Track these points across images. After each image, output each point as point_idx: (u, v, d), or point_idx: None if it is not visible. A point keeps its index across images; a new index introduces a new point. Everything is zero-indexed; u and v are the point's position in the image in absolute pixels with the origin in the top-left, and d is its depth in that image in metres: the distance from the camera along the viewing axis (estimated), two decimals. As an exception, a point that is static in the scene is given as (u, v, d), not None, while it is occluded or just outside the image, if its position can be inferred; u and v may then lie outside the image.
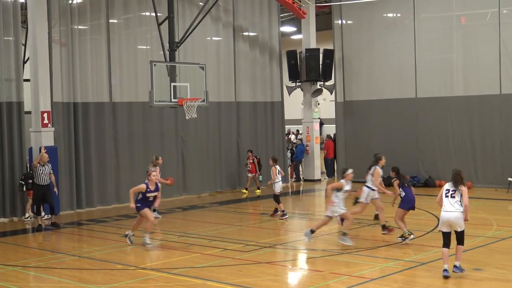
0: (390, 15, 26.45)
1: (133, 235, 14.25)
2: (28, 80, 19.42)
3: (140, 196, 14.03)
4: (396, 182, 14.44)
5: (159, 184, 14.96)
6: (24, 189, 17.68)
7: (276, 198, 17.72)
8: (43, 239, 16.08)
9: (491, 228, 15.93)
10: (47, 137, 18.96)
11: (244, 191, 23.40)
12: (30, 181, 17.28)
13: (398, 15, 26.07)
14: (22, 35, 20.39)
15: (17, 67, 19.02)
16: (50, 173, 16.88)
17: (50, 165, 17.02)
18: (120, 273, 11.92)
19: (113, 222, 18.21)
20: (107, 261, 12.89)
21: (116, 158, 20.76)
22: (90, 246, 14.59)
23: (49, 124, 19.15)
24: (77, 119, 20.14)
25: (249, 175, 23.43)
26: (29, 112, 19.21)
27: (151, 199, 14.16)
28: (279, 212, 17.79)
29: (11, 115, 18.61)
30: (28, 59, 20.42)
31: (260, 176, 23.33)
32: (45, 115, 18.84)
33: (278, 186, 17.85)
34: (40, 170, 16.67)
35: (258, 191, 23.44)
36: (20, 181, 17.84)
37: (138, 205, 13.86)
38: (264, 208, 19.49)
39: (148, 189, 13.98)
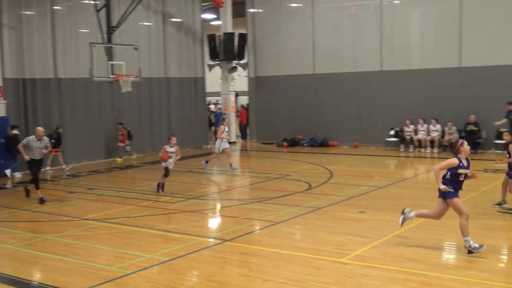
0: (294, 5, 26.62)
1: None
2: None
3: None
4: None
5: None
6: None
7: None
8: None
9: (373, 179, 16.46)
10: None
11: (119, 159, 21.92)
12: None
13: (300, 5, 26.28)
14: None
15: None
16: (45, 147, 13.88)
17: (47, 138, 14.07)
18: (66, 224, 11.72)
19: (61, 181, 17.87)
20: (55, 214, 12.65)
21: (62, 126, 20.14)
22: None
23: (1, 97, 18.49)
24: (26, 93, 19.45)
25: (120, 144, 22.06)
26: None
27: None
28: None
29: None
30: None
31: (129, 146, 22.21)
32: (-3, 89, 18.18)
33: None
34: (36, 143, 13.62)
35: (119, 160, 21.93)
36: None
37: None
38: (191, 166, 19.45)
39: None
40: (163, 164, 14.58)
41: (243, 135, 29.84)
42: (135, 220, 11.80)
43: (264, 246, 9.56)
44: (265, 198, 13.71)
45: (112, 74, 18.39)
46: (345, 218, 11.34)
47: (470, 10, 21.77)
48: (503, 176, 12.16)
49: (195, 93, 26.58)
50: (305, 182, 15.75)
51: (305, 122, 25.82)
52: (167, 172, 14.63)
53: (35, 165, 13.81)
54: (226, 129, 18.45)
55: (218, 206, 13.88)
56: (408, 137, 22.57)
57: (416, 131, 22.54)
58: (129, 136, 22.18)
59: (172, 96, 25.23)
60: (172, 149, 14.55)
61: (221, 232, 10.95)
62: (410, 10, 23.53)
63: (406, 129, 22.69)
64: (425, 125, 22.36)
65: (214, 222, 12.22)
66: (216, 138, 18.71)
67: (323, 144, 25.06)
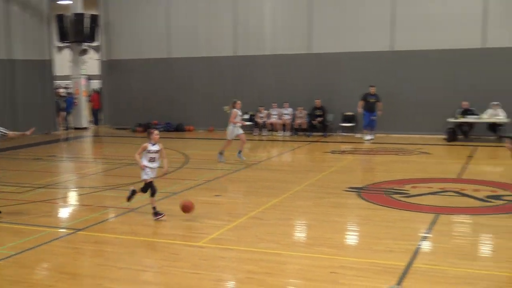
0: (146, -13, 26.25)
1: None
2: None
3: None
4: None
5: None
6: None
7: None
8: None
9: (228, 162, 16.69)
10: None
11: None
12: None
13: (153, -13, 25.96)
14: None
15: None
16: None
17: None
18: None
19: None
20: None
21: None
22: None
23: None
24: None
25: None
26: None
27: None
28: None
29: None
30: None
31: None
32: None
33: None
34: None
35: None
36: None
37: None
38: (40, 154, 18.51)
39: None
40: (145, 176, 10.19)
41: (96, 120, 28.92)
42: (-23, 212, 11.02)
43: (119, 234, 9.37)
44: (120, 184, 13.44)
45: None
46: (201, 202, 11.43)
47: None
48: (348, 157, 12.88)
49: (42, 76, 25.23)
50: (161, 167, 15.61)
51: (160, 107, 25.61)
52: (152, 188, 10.25)
53: None
54: (240, 113, 16.41)
55: (70, 194, 13.37)
56: (261, 121, 23.24)
57: (268, 115, 23.26)
58: None
59: (17, 79, 23.77)
60: (155, 148, 10.19)
61: (73, 221, 10.54)
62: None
63: (259, 114, 23.33)
64: (278, 109, 23.15)
65: (65, 212, 11.73)
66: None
67: (179, 128, 25.05)
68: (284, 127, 22.94)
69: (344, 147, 19.53)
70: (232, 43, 24.35)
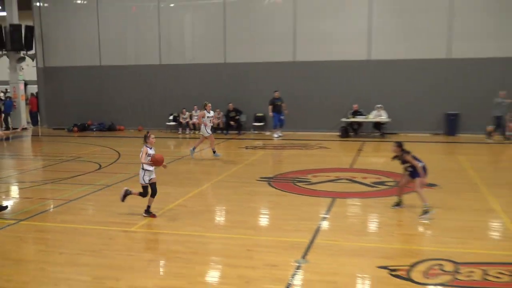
0: (79, 1, 25.30)
1: None
2: None
3: None
4: (409, 157, 9.24)
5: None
6: None
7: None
8: None
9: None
10: None
11: None
12: None
13: (85, 1, 25.06)
14: None
15: None
16: None
17: None
18: None
19: None
20: None
21: None
22: None
23: None
24: None
25: None
26: None
27: None
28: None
29: None
30: None
31: None
32: None
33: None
34: None
35: None
36: None
37: None
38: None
39: None
40: (145, 181, 9.16)
41: (35, 121, 27.63)
42: None
43: (59, 223, 9.08)
44: (58, 179, 12.98)
45: None
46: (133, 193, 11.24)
47: (231, 13, 22.90)
48: (259, 152, 13.05)
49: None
50: (96, 163, 15.23)
51: (94, 108, 24.87)
52: (150, 190, 9.25)
53: None
54: (208, 114, 15.64)
55: (12, 188, 12.75)
56: (184, 122, 23.09)
57: (191, 116, 23.14)
58: None
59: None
60: (153, 151, 9.19)
61: (16, 213, 10.08)
62: (184, 12, 23.92)
63: (182, 115, 23.17)
64: (198, 111, 23.05)
65: (8, 204, 11.18)
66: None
67: (111, 128, 24.44)
68: (204, 126, 22.82)
69: (256, 143, 19.76)
70: (158, 53, 24.01)
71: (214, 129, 22.66)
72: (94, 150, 18.12)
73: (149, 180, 9.14)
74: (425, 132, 20.97)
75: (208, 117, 15.61)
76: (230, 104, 22.36)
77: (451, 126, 20.65)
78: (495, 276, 6.50)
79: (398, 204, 9.70)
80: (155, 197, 9.29)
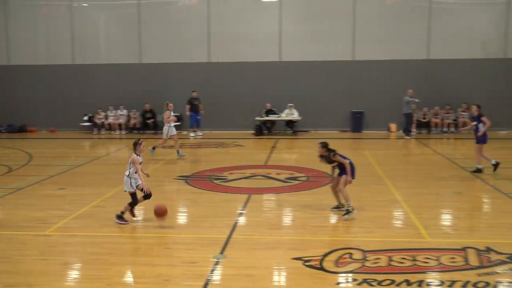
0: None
1: None
2: None
3: None
4: (337, 156, 8.89)
5: None
6: None
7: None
8: None
9: (70, 159, 15.80)
10: None
11: None
12: None
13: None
14: None
15: None
16: None
17: None
18: None
19: None
20: None
21: None
22: None
23: None
24: None
25: None
26: None
27: None
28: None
29: None
30: None
31: None
32: None
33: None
34: None
35: None
36: None
37: None
38: None
39: None
40: (132, 188, 8.59)
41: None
42: None
43: (-35, 229, 8.41)
44: (-36, 183, 12.03)
45: None
46: (46, 195, 10.67)
47: (147, 13, 22.40)
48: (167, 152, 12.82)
49: None
50: (5, 165, 14.29)
51: (3, 109, 23.31)
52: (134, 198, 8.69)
53: None
54: (172, 113, 15.14)
55: None
56: (99, 122, 22.28)
57: (106, 117, 22.38)
58: None
59: None
60: (141, 159, 8.67)
61: None
62: (98, 12, 23.05)
63: (97, 116, 22.34)
64: (114, 111, 22.35)
65: None
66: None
67: (22, 129, 23.06)
68: (120, 126, 22.22)
69: (173, 142, 19.45)
70: (70, 53, 22.96)
71: (131, 129, 22.13)
72: (3, 153, 17.00)
73: (137, 187, 8.51)
74: (334, 129, 21.69)
75: (172, 116, 15.22)
76: (147, 105, 21.87)
77: (356, 123, 21.51)
78: (398, 262, 6.81)
79: (338, 207, 9.15)
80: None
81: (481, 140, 12.34)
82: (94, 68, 22.82)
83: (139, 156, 8.59)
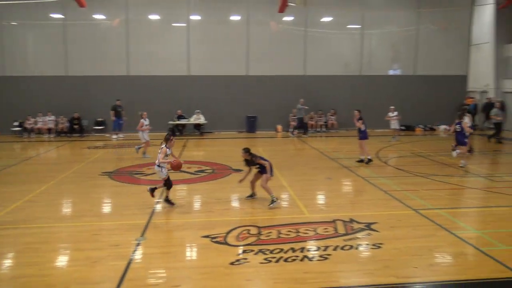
0: None
1: None
2: None
3: None
4: (258, 158, 8.73)
5: None
6: None
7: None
8: None
9: (1, 160, 14.45)
10: None
11: None
12: None
13: None
14: None
15: None
16: None
17: None
18: None
19: None
20: None
21: None
22: None
23: None
24: None
25: None
26: None
27: None
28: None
29: None
30: None
31: None
32: None
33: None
34: None
35: None
36: None
37: None
38: None
39: None
40: (164, 174, 8.49)
41: None
42: None
43: None
44: None
45: None
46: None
47: (72, 32, 21.02)
48: (101, 151, 12.26)
49: None
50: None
51: None
52: (169, 182, 8.66)
53: None
54: (145, 122, 14.26)
55: None
56: (30, 127, 20.54)
57: (36, 122, 20.69)
58: None
59: None
60: (169, 151, 8.69)
61: None
62: (25, 31, 21.17)
63: (27, 121, 20.57)
64: (43, 117, 20.72)
65: None
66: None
67: (-47, 135, 20.57)
68: (49, 130, 20.64)
69: (97, 144, 18.49)
70: (0, 65, 20.87)
71: (59, 133, 20.69)
72: None
73: (167, 174, 8.50)
74: (233, 131, 21.90)
75: (145, 125, 14.35)
76: (76, 114, 20.58)
77: (251, 125, 21.90)
78: (286, 234, 7.07)
79: (252, 195, 9.08)
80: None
81: (363, 137, 12.49)
82: (22, 80, 20.96)
83: (169, 149, 8.57)
